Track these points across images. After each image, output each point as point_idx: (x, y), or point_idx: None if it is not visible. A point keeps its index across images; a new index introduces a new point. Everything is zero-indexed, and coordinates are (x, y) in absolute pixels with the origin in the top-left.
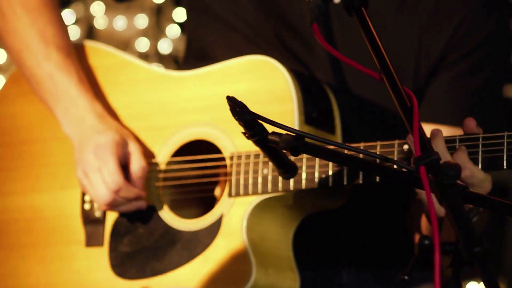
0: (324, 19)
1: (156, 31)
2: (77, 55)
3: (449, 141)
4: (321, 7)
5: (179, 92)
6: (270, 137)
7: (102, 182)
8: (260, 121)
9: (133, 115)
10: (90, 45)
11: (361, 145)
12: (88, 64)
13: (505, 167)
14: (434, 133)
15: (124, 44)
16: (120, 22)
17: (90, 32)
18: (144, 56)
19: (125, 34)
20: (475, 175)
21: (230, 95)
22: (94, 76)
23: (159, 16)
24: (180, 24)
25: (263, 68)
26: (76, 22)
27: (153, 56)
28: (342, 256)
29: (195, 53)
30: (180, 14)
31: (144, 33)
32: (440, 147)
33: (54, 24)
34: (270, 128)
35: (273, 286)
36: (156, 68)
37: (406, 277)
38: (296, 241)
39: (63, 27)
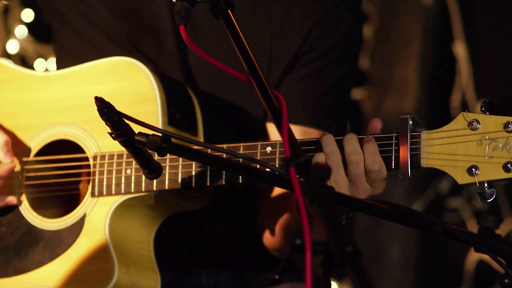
0: (190, 19)
1: (3, 32)
2: None
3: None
4: (187, 9)
5: (44, 91)
6: (137, 137)
7: None
8: (127, 122)
9: None
10: None
11: (224, 146)
12: None
13: (393, 167)
14: (347, 137)
15: None
16: None
17: None
18: None
19: None
20: (382, 171)
21: (95, 95)
22: None
23: (7, 17)
24: (27, 24)
25: (128, 69)
26: None
27: (1, 55)
28: (201, 257)
29: (65, 57)
30: (28, 14)
31: None
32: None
33: None
34: (136, 129)
35: (135, 286)
36: (20, 68)
37: (277, 277)
38: (158, 242)
39: None
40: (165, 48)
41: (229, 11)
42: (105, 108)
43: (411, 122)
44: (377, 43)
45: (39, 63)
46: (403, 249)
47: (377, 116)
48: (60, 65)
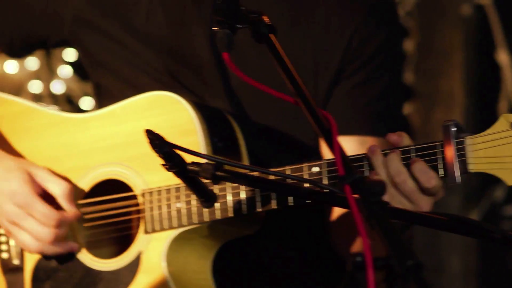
0: (233, 46)
1: (48, 72)
2: None
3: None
4: (230, 36)
5: (84, 133)
6: (190, 167)
7: (39, 225)
8: (178, 152)
9: (42, 161)
10: None
11: (287, 167)
12: None
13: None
14: (389, 158)
15: (17, 87)
16: (11, 66)
17: None
18: (38, 98)
19: (17, 77)
20: (439, 183)
21: (136, 132)
22: None
23: (50, 58)
24: (71, 64)
25: (165, 102)
26: None
27: (47, 97)
28: (264, 281)
29: (104, 97)
30: (70, 54)
31: (36, 75)
32: (394, 164)
33: None
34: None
35: None
36: (59, 112)
37: None
38: (217, 270)
39: None
40: (206, 77)
41: (271, 35)
42: (156, 140)
43: (454, 129)
44: (420, 57)
45: (85, 101)
46: (463, 261)
47: (425, 129)
48: (99, 105)
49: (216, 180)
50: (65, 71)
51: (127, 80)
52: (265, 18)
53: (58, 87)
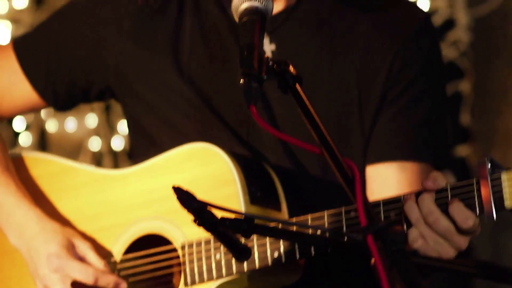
0: (260, 97)
1: (107, 128)
2: (17, 167)
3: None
4: (257, 89)
5: (123, 189)
6: (220, 222)
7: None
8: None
9: (81, 219)
10: (29, 155)
11: (309, 216)
12: (29, 175)
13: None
14: (406, 197)
15: (77, 145)
16: (71, 124)
17: (42, 137)
18: (98, 155)
19: (77, 135)
20: (476, 222)
21: (174, 185)
22: (38, 185)
23: (109, 114)
24: None
25: (203, 154)
26: (27, 129)
27: (106, 154)
28: None
29: (143, 144)
30: None
31: (95, 132)
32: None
33: None
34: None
35: None
36: (97, 169)
37: None
38: None
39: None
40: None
41: (297, 85)
42: (184, 197)
43: (489, 165)
44: (475, 97)
45: None
46: None
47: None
48: (134, 145)
49: (247, 235)
50: (125, 126)
51: (170, 123)
52: (291, 68)
53: (118, 143)
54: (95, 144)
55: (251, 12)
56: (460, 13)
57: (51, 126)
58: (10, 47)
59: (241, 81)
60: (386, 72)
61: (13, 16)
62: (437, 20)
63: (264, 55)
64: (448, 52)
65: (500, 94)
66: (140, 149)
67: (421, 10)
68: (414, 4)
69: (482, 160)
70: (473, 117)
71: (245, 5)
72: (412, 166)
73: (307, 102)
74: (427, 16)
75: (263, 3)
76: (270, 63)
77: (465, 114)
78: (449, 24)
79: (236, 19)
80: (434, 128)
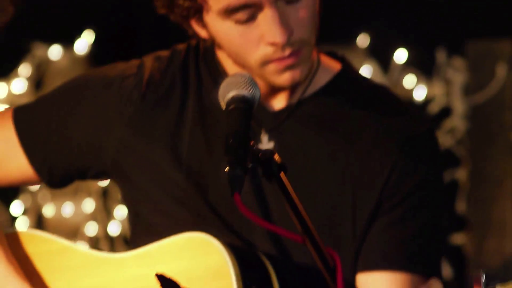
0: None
1: (104, 213)
2: (13, 243)
3: None
4: (241, 177)
5: (118, 273)
6: None
7: None
8: None
9: None
10: (25, 232)
11: None
12: (24, 252)
13: None
14: None
15: (74, 229)
16: (68, 209)
17: (39, 222)
18: (95, 240)
19: (74, 220)
20: None
21: (168, 273)
22: (32, 263)
23: (106, 199)
24: None
25: (199, 244)
26: (24, 213)
27: (103, 239)
28: None
29: (140, 229)
30: None
31: (92, 217)
32: None
33: None
34: None
35: None
36: (94, 252)
37: None
38: None
39: None
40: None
41: (282, 173)
42: (167, 285)
43: (484, 278)
44: (472, 185)
45: None
46: None
47: (479, 259)
48: (132, 229)
49: None
50: (122, 212)
51: (166, 212)
52: (276, 157)
53: (114, 228)
54: (91, 229)
55: (237, 100)
56: (457, 101)
57: (48, 210)
58: (9, 117)
59: (226, 169)
60: (383, 181)
61: (12, 100)
62: (434, 108)
63: (250, 142)
64: (444, 140)
65: (496, 183)
66: (138, 234)
67: (425, 120)
68: (420, 113)
69: (477, 273)
70: (469, 205)
71: (231, 93)
72: (403, 277)
73: (291, 191)
74: (430, 127)
75: (250, 91)
76: (255, 151)
77: (461, 202)
78: (446, 112)
79: (223, 106)
80: (429, 240)
